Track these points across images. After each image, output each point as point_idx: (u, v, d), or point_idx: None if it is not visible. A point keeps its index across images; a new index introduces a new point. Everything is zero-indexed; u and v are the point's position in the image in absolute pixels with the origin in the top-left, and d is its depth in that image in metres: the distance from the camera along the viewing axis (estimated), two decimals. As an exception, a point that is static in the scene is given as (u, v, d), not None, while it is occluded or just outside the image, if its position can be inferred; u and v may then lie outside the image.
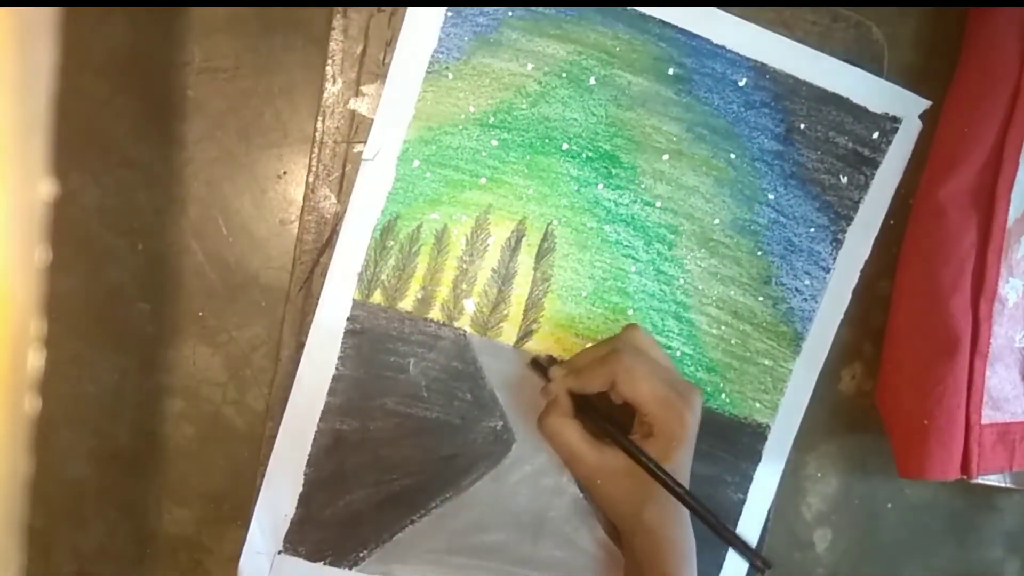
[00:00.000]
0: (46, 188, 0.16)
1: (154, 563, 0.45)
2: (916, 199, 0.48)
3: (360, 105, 0.42)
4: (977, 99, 0.46)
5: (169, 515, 0.45)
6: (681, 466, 0.41)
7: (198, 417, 0.44)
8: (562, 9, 0.43)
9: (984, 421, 0.46)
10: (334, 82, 0.42)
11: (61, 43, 0.16)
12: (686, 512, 0.42)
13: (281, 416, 0.43)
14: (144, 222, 0.43)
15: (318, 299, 0.43)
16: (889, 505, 0.53)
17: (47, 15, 0.16)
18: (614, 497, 0.42)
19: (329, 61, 0.42)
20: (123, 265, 0.43)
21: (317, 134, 0.42)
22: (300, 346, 0.43)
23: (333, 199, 0.43)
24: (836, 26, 0.46)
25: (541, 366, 0.43)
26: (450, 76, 0.43)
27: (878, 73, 0.47)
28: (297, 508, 0.44)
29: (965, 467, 0.45)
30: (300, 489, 0.44)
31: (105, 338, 0.43)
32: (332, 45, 0.42)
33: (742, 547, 0.41)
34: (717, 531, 0.41)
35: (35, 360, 0.17)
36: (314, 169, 0.43)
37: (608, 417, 0.42)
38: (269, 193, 0.44)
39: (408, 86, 0.42)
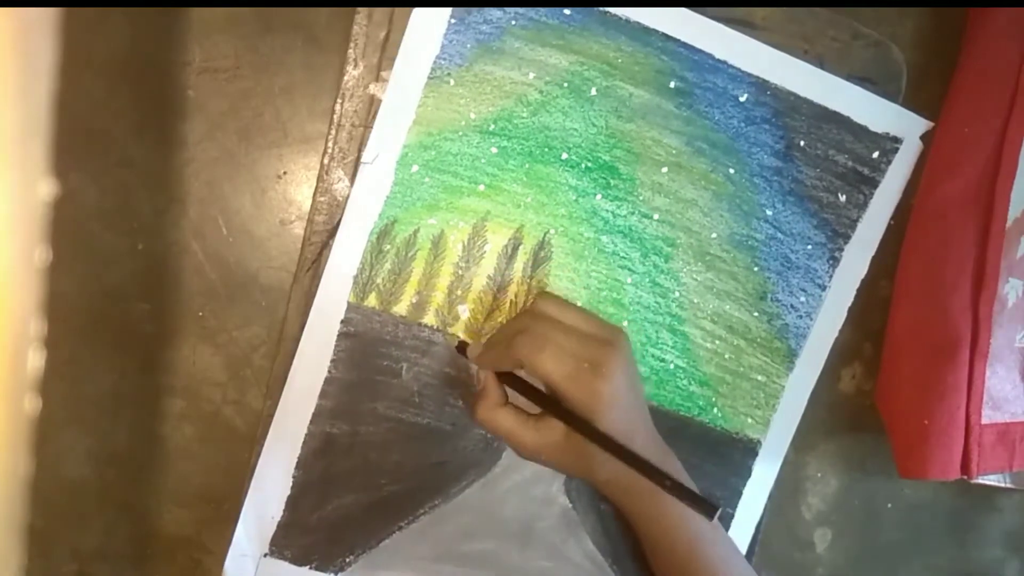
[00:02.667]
0: (46, 188, 0.16)
1: (154, 563, 0.45)
2: (916, 199, 0.48)
3: (379, 90, 0.42)
4: (977, 99, 0.46)
5: (169, 515, 0.45)
6: (615, 423, 0.38)
7: (198, 417, 0.44)
8: (565, 19, 0.43)
9: (984, 421, 0.46)
10: (355, 65, 0.42)
11: (61, 43, 0.16)
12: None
13: (274, 410, 0.43)
14: (144, 222, 0.43)
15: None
16: (889, 505, 0.53)
17: (47, 15, 0.16)
18: (563, 466, 0.42)
19: (352, 44, 0.42)
20: (123, 265, 0.43)
21: (335, 116, 0.42)
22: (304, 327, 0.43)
23: (346, 182, 0.43)
24: (856, 43, 0.46)
25: (463, 351, 0.43)
26: (451, 82, 0.43)
27: (896, 92, 0.46)
28: (284, 511, 0.44)
29: (965, 467, 0.45)
30: (288, 492, 0.44)
31: (105, 338, 0.43)
32: (355, 28, 0.42)
33: (683, 494, 0.38)
34: (656, 481, 0.38)
35: (35, 360, 0.17)
36: (329, 151, 0.42)
37: (535, 388, 0.41)
38: (269, 193, 0.44)
39: (409, 91, 0.42)
